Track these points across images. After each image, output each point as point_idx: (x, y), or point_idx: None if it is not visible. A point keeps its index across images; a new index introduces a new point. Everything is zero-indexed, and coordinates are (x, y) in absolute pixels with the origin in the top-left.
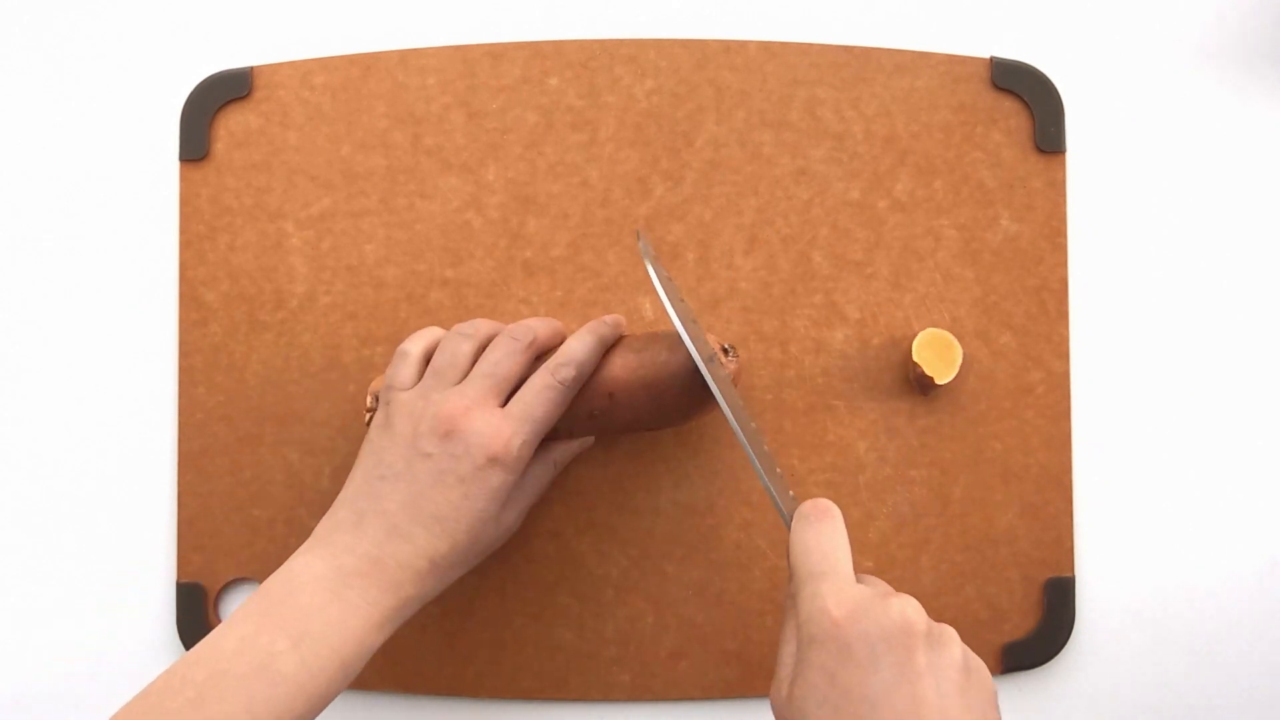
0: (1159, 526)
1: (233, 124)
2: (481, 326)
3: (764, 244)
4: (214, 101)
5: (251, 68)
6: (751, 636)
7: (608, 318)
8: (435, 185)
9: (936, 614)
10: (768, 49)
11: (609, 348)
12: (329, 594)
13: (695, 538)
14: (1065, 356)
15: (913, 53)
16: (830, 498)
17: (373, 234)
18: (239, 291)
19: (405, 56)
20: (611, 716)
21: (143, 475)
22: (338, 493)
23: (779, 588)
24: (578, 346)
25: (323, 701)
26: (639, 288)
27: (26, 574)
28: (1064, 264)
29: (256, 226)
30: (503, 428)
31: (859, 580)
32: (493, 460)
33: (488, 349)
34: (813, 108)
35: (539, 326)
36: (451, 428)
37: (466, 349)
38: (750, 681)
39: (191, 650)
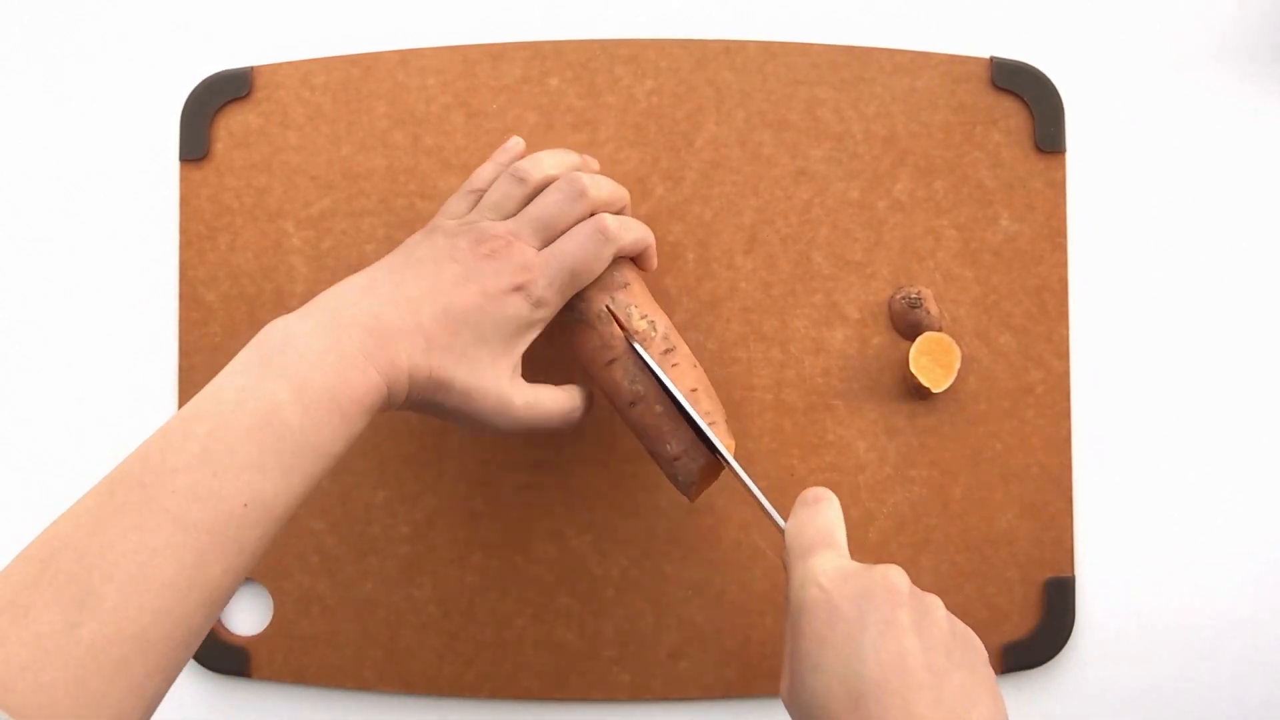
0: (1159, 526)
1: (233, 124)
2: (535, 172)
3: (764, 244)
4: (214, 101)
5: (251, 68)
6: (751, 636)
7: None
8: (435, 185)
9: None
10: (768, 49)
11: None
12: (327, 341)
13: (695, 538)
14: (1065, 356)
15: (913, 53)
16: None
17: (373, 234)
18: (239, 291)
19: (405, 57)
20: (611, 716)
21: None
22: (338, 492)
23: (779, 588)
24: (634, 223)
25: (326, 458)
26: None
27: None
28: (1064, 264)
29: (256, 226)
30: (534, 261)
31: None
32: (517, 288)
33: (542, 194)
34: (813, 108)
35: (601, 185)
36: (489, 251)
37: (518, 193)
38: (750, 681)
39: (188, 404)
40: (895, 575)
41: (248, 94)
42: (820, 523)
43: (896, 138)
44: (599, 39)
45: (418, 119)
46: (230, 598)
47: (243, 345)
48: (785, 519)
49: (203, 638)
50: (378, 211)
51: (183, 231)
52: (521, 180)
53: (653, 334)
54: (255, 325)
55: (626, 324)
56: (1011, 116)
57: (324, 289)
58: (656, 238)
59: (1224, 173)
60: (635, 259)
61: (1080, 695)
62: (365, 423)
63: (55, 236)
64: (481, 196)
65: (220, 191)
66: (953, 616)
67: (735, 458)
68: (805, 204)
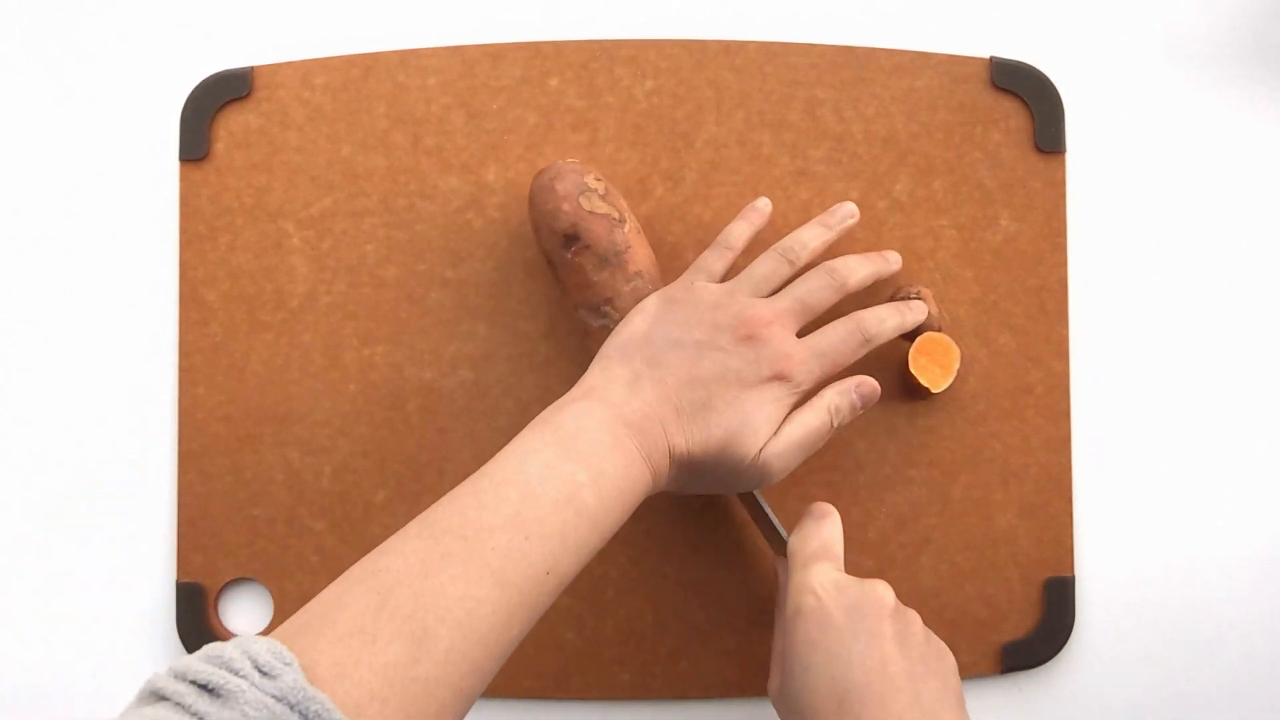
0: (1159, 526)
1: (233, 124)
2: (804, 255)
3: (764, 244)
4: (214, 101)
5: (251, 68)
6: (752, 636)
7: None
8: (435, 185)
9: (936, 614)
10: (768, 49)
11: None
12: (613, 438)
13: (695, 538)
14: (1065, 356)
15: (913, 53)
16: (830, 498)
17: (373, 234)
18: (239, 291)
19: (405, 57)
20: (612, 716)
21: (143, 475)
22: (338, 492)
23: (779, 587)
24: (890, 317)
25: (604, 542)
26: None
27: (26, 574)
28: (1064, 264)
29: (257, 226)
30: (799, 351)
31: None
32: (779, 377)
33: (804, 277)
34: (813, 108)
35: (857, 268)
36: (752, 333)
37: (785, 272)
38: (750, 681)
39: (492, 465)
40: (883, 590)
41: (248, 94)
42: (824, 536)
43: (896, 138)
44: (599, 39)
45: (418, 119)
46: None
47: (243, 345)
48: (786, 526)
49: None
50: (378, 211)
51: (183, 231)
52: (791, 263)
53: None
54: (255, 325)
55: None
56: (1011, 116)
57: (323, 289)
58: (656, 238)
59: (1224, 173)
60: None
61: (1080, 695)
62: (630, 514)
63: (55, 236)
64: (735, 256)
65: (220, 191)
66: (929, 631)
67: None
68: (805, 204)
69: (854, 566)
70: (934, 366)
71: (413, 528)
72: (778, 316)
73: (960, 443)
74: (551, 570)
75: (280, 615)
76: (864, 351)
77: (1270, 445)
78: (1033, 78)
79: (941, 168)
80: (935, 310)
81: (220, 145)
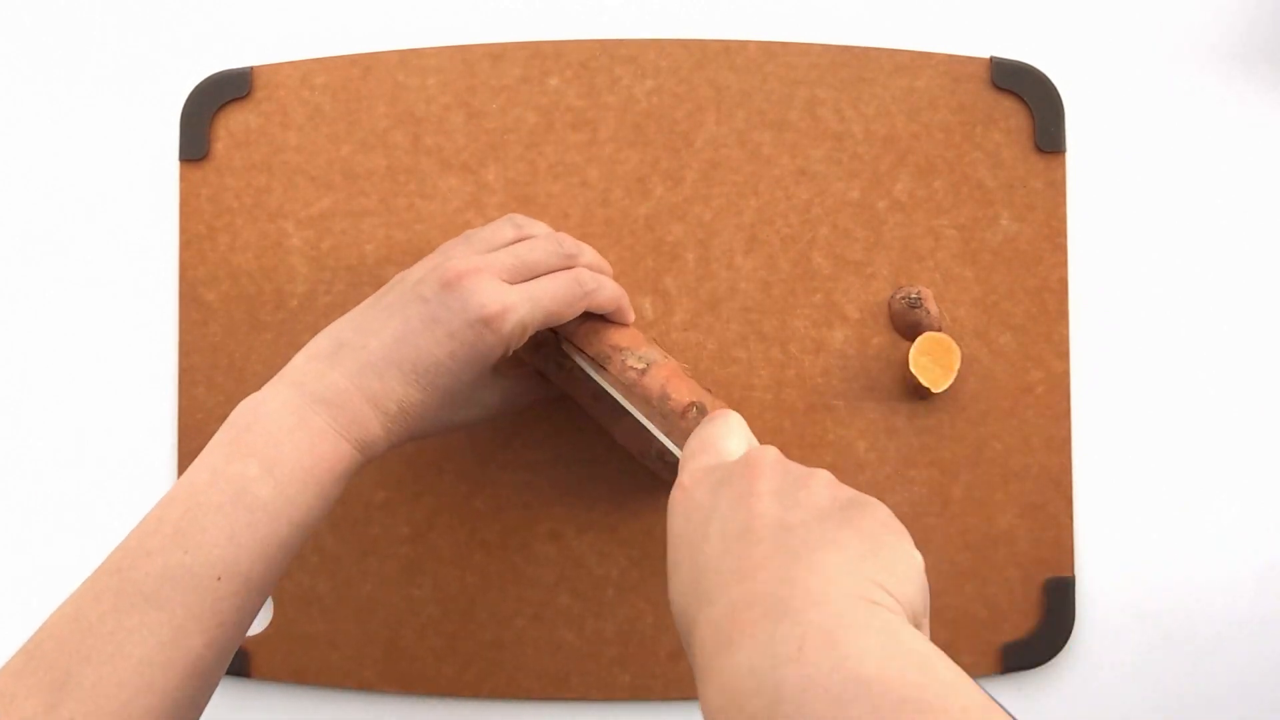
0: (1159, 527)
1: (233, 124)
2: (529, 226)
3: (764, 244)
4: (214, 101)
5: (251, 68)
6: None
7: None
8: (435, 185)
9: (936, 614)
10: (768, 49)
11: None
12: (295, 419)
13: None
14: (1065, 356)
15: (913, 53)
16: None
17: (373, 234)
18: (239, 291)
19: (405, 57)
20: (612, 717)
21: (143, 475)
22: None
23: None
24: (611, 283)
25: (303, 528)
26: (638, 287)
27: (26, 573)
28: (1064, 264)
29: (256, 226)
30: (505, 296)
31: None
32: (485, 321)
33: (528, 240)
34: (813, 108)
35: (588, 251)
36: (454, 280)
37: (509, 233)
38: None
39: (167, 492)
40: (760, 451)
41: (248, 94)
42: (705, 434)
43: (896, 138)
44: (599, 39)
45: (418, 119)
46: (221, 669)
47: (243, 345)
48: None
49: (198, 709)
50: (378, 211)
51: (183, 231)
52: (517, 226)
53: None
54: (255, 325)
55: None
56: (1011, 116)
57: (323, 289)
58: (656, 238)
59: (1224, 172)
60: (611, 315)
61: (1080, 695)
62: (343, 487)
63: (55, 236)
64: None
65: (220, 191)
66: (850, 490)
67: None
68: (805, 204)
69: None
70: (934, 366)
71: (85, 579)
72: (485, 266)
73: (960, 443)
74: (225, 575)
75: (280, 615)
76: (583, 305)
77: (1271, 446)
78: (1033, 78)
79: (942, 168)
80: (935, 310)
81: (220, 145)
